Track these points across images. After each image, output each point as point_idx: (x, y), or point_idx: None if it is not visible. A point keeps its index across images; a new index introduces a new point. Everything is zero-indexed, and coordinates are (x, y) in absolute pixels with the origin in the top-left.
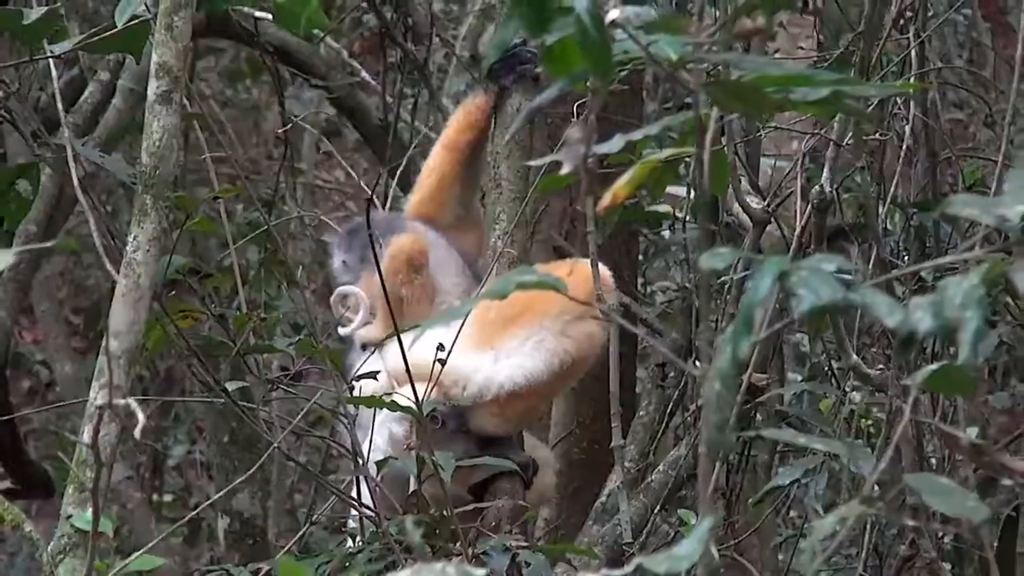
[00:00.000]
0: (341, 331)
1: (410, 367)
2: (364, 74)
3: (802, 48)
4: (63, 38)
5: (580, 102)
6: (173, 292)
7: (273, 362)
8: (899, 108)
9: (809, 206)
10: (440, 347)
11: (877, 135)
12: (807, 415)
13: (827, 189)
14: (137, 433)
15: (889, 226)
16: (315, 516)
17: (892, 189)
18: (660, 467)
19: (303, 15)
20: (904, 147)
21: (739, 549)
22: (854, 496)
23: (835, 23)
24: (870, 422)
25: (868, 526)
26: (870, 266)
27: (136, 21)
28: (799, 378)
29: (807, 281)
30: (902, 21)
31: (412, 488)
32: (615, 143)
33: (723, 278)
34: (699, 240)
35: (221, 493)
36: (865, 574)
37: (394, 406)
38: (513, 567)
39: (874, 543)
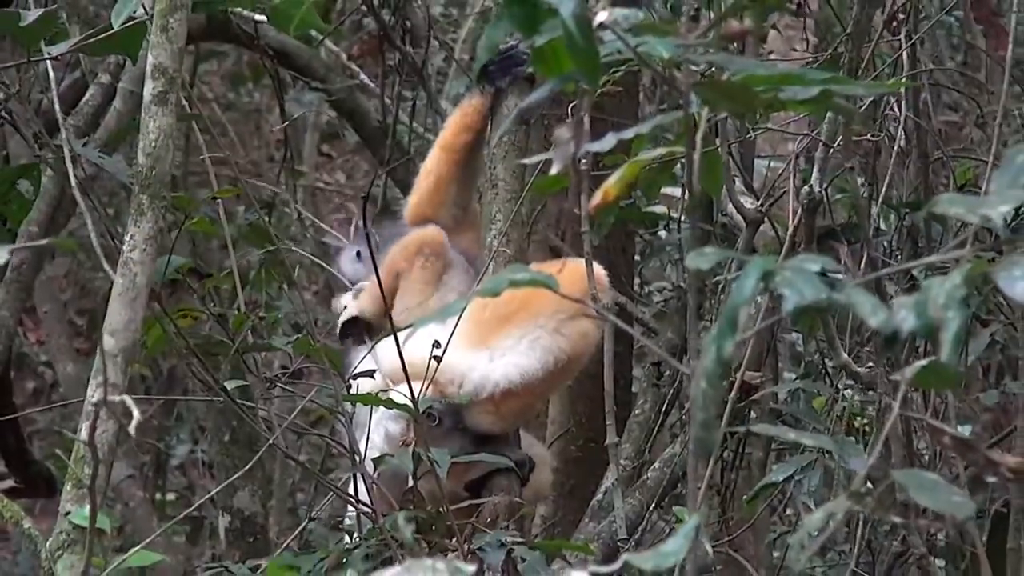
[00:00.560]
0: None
1: (405, 365)
2: (363, 77)
3: (795, 50)
4: (63, 40)
5: (574, 103)
6: (172, 292)
7: (274, 361)
8: (892, 109)
9: (799, 206)
10: (436, 344)
11: (870, 136)
12: (801, 413)
13: (816, 189)
14: (132, 430)
15: (883, 226)
16: (313, 513)
17: (884, 189)
18: (656, 465)
19: (296, 15)
20: (896, 148)
21: (734, 546)
22: (845, 492)
23: (827, 25)
24: (865, 421)
25: (860, 523)
26: (861, 266)
27: (132, 23)
28: (794, 377)
29: (791, 281)
30: (894, 23)
31: (409, 485)
32: (606, 142)
33: (717, 277)
34: (693, 240)
35: (219, 488)
36: (858, 570)
37: (391, 404)
38: (509, 563)
39: (867, 540)
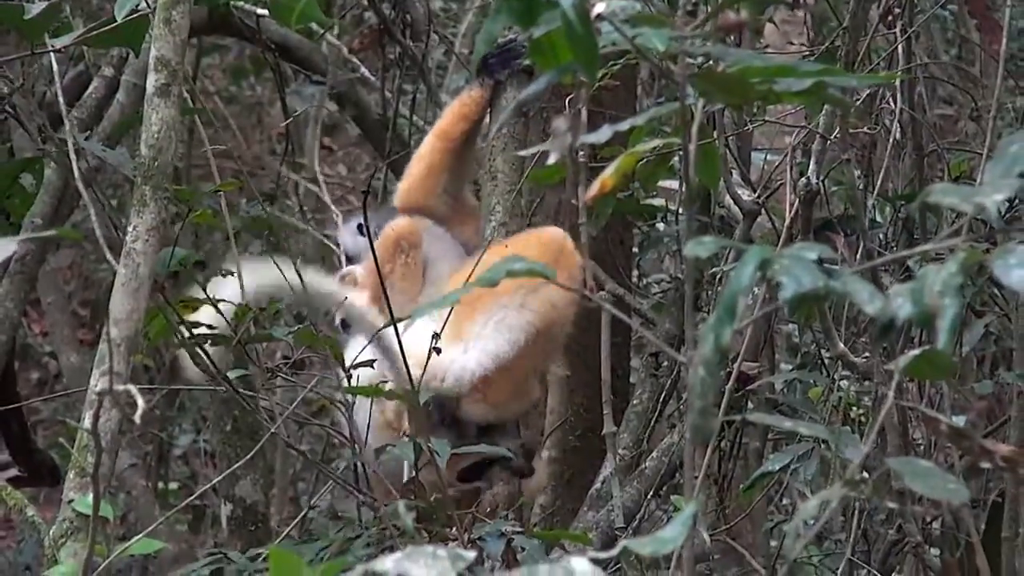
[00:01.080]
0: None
1: (405, 356)
2: (364, 70)
3: (792, 43)
4: (67, 33)
5: (572, 95)
6: (174, 283)
7: (276, 352)
8: (887, 102)
9: (796, 198)
10: (435, 336)
11: (866, 129)
12: (797, 403)
13: (813, 181)
14: (137, 419)
15: (879, 218)
16: (313, 501)
17: (880, 181)
18: (653, 454)
19: (297, 9)
20: (892, 140)
21: (732, 534)
22: (840, 480)
23: (823, 18)
24: (861, 411)
25: (856, 512)
26: (856, 257)
27: (135, 15)
28: (790, 367)
29: (789, 269)
30: (890, 17)
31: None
32: (603, 133)
33: (714, 269)
34: (691, 232)
35: (221, 477)
36: (854, 559)
37: (391, 395)
38: (508, 552)
39: (863, 529)
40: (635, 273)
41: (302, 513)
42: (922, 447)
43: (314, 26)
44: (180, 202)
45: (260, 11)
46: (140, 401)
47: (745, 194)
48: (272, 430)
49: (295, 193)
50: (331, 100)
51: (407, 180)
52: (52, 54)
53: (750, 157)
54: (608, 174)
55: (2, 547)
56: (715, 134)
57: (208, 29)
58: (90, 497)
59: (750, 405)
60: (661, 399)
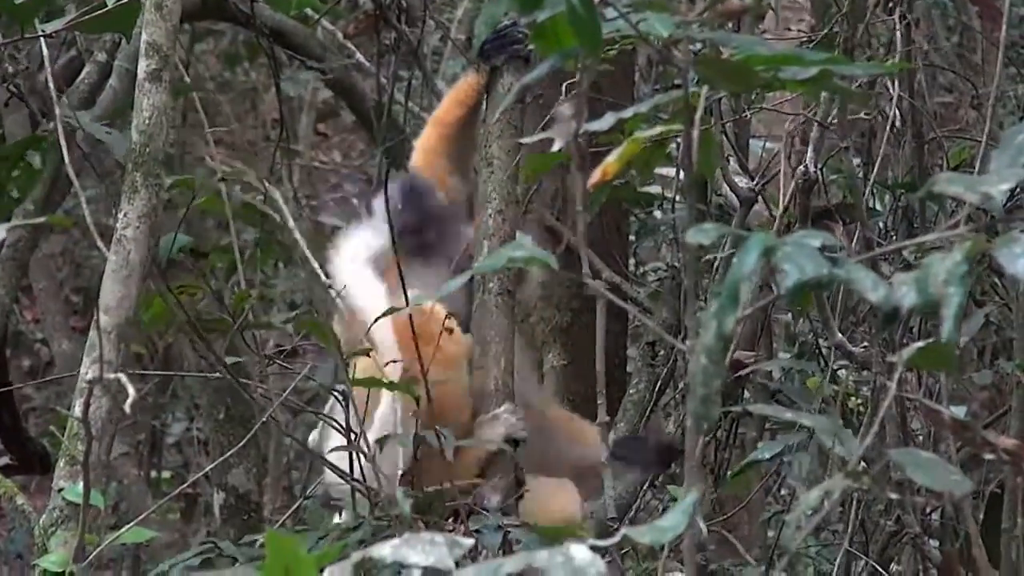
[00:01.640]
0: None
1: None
2: (359, 56)
3: (790, 30)
4: (58, 18)
5: (571, 82)
6: (168, 270)
7: (269, 341)
8: (886, 90)
9: (793, 185)
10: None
11: (864, 114)
12: (795, 393)
13: (811, 169)
14: (128, 407)
15: (878, 207)
16: (308, 491)
17: (877, 170)
18: None
19: None
20: (890, 128)
21: (728, 525)
22: (840, 472)
23: (823, 5)
24: (859, 402)
25: (855, 503)
26: (854, 245)
27: (127, 0)
28: (788, 357)
29: (792, 256)
30: (889, 3)
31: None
32: (605, 121)
33: (711, 255)
34: (689, 220)
35: (213, 465)
36: (852, 550)
37: (391, 386)
38: (505, 544)
39: (860, 520)
40: (631, 261)
41: (296, 503)
42: (920, 438)
43: (309, 11)
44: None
45: None
46: (131, 390)
47: (742, 182)
48: (267, 415)
49: (289, 179)
50: (326, 86)
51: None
52: (43, 39)
53: (748, 145)
54: (611, 161)
55: None
56: (712, 121)
57: (202, 14)
58: (80, 486)
59: (746, 395)
60: (658, 388)
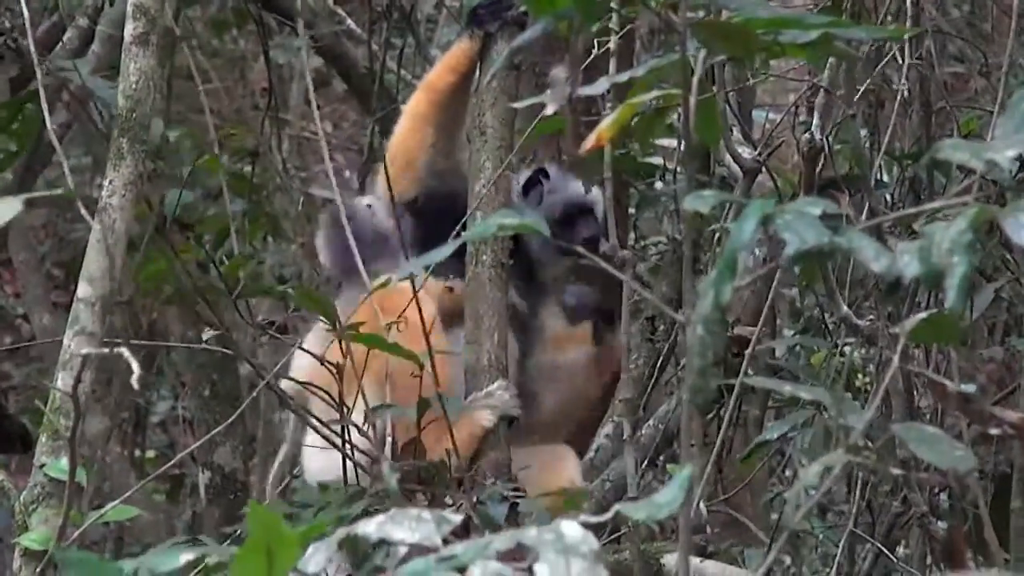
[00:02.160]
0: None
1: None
2: (350, 23)
3: None
4: None
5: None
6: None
7: (259, 315)
8: (894, 59)
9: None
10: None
11: (868, 83)
12: (800, 369)
13: (817, 137)
14: (135, 382)
15: (886, 178)
16: (297, 471)
17: (887, 140)
18: (650, 422)
19: None
20: (899, 97)
21: (731, 505)
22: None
23: None
24: (867, 379)
25: (859, 482)
26: (863, 216)
27: None
28: (793, 333)
29: (792, 225)
30: None
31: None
32: (599, 85)
33: (713, 227)
34: (689, 190)
35: (199, 443)
36: (857, 530)
37: (396, 350)
38: (512, 516)
39: (867, 500)
40: (632, 234)
41: (284, 482)
42: (928, 416)
43: None
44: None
45: None
46: (135, 364)
47: (746, 152)
48: (262, 385)
49: (278, 150)
50: (316, 53)
51: (394, 135)
52: (24, 2)
53: (751, 114)
54: (605, 126)
55: None
56: (715, 89)
57: None
58: (63, 462)
59: (750, 372)
60: (658, 365)
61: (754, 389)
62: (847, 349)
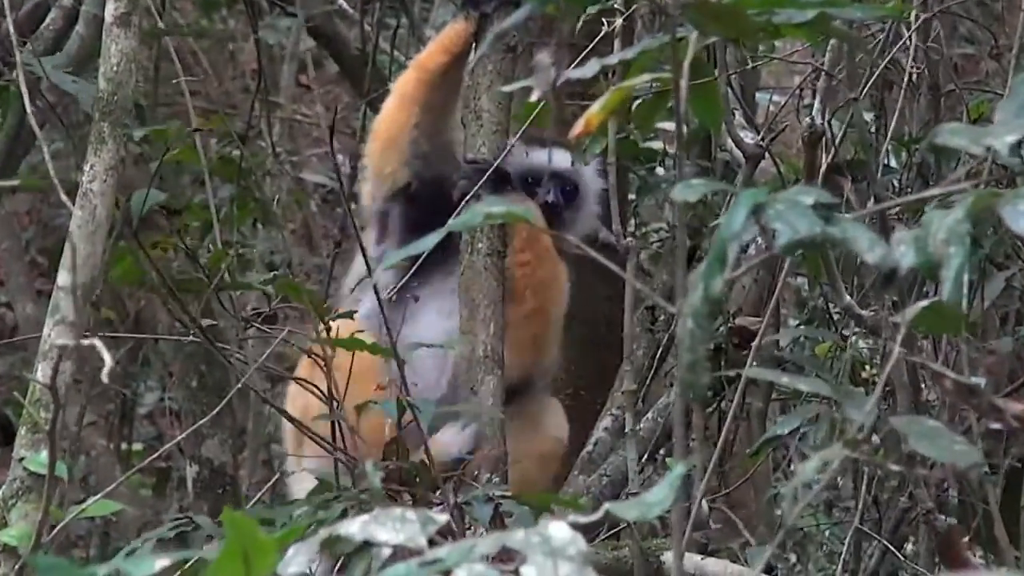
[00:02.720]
0: None
1: None
2: (342, 2)
3: None
4: None
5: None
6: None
7: (247, 305)
8: (901, 39)
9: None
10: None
11: (872, 66)
12: (804, 360)
13: (818, 121)
14: (105, 376)
15: (893, 164)
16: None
17: (893, 124)
18: (649, 415)
19: None
20: (906, 80)
21: (733, 501)
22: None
23: None
24: (873, 371)
25: (865, 478)
26: (870, 203)
27: None
28: (797, 323)
29: (783, 215)
30: None
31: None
32: (589, 68)
33: (717, 221)
34: (678, 175)
35: (185, 434)
36: (863, 528)
37: (375, 349)
38: (497, 517)
39: (873, 496)
40: (632, 222)
41: (274, 477)
42: (937, 409)
43: None
44: (148, 143)
45: None
46: (107, 356)
47: (748, 137)
48: (243, 380)
49: (268, 133)
50: (308, 34)
51: (381, 112)
52: None
53: (754, 97)
54: (595, 111)
55: None
56: (716, 72)
57: None
58: (43, 455)
59: (754, 364)
60: (657, 356)
61: (756, 381)
62: (853, 341)
